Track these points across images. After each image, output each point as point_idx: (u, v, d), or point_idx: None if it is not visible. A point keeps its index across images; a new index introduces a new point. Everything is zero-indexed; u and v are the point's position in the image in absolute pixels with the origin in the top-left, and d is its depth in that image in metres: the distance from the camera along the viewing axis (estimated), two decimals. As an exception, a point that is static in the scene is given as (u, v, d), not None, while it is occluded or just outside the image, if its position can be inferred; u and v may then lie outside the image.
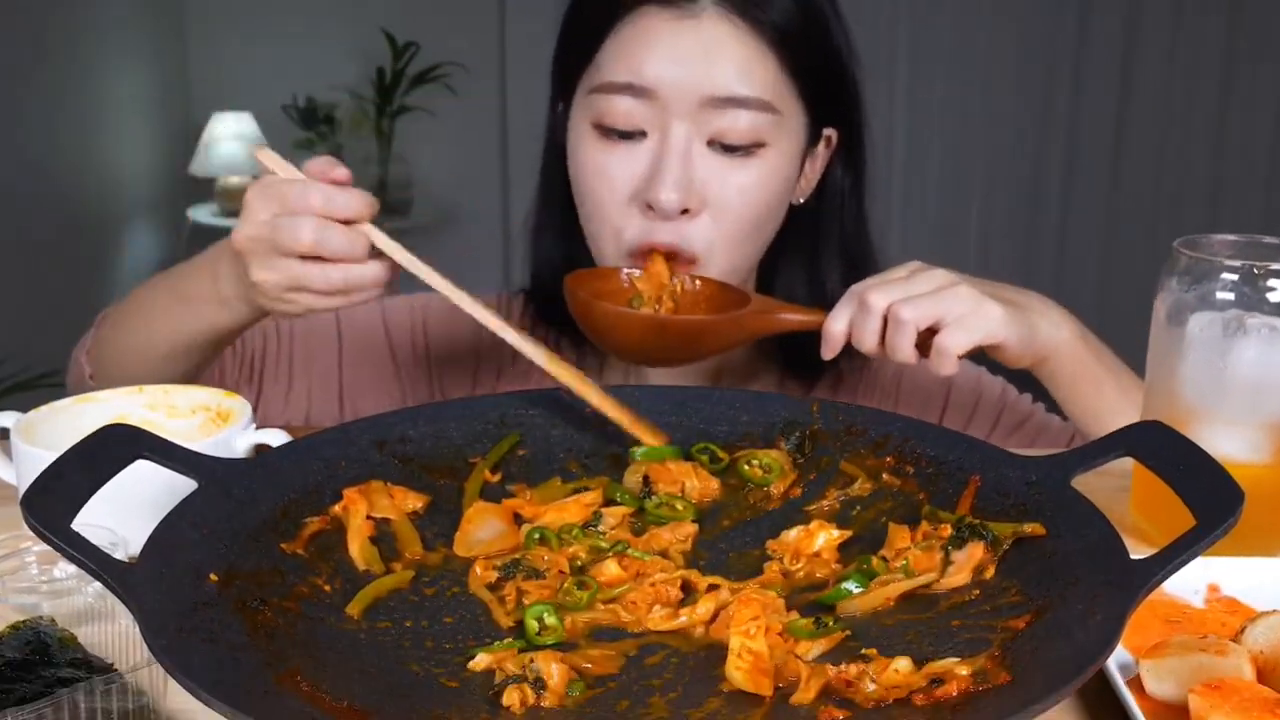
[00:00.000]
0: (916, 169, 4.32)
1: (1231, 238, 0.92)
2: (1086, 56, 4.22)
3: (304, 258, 0.93)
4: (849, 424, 0.85)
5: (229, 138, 4.04)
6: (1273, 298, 0.87)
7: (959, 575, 0.70)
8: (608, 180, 1.10)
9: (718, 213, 1.09)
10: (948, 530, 0.72)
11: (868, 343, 1.01)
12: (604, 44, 1.10)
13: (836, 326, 1.02)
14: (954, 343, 0.98)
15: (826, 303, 1.21)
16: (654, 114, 1.08)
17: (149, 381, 1.06)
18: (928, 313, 0.98)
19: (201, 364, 1.14)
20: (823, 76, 1.13)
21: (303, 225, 0.91)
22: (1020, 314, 1.02)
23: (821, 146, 1.18)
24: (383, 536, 0.78)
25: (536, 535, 0.78)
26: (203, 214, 4.11)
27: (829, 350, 1.03)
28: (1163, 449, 0.71)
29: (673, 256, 1.09)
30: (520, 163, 4.09)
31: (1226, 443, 0.89)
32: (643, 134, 1.09)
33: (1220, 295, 0.89)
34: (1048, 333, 1.04)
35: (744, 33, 1.07)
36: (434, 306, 1.30)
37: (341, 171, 0.94)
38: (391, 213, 4.19)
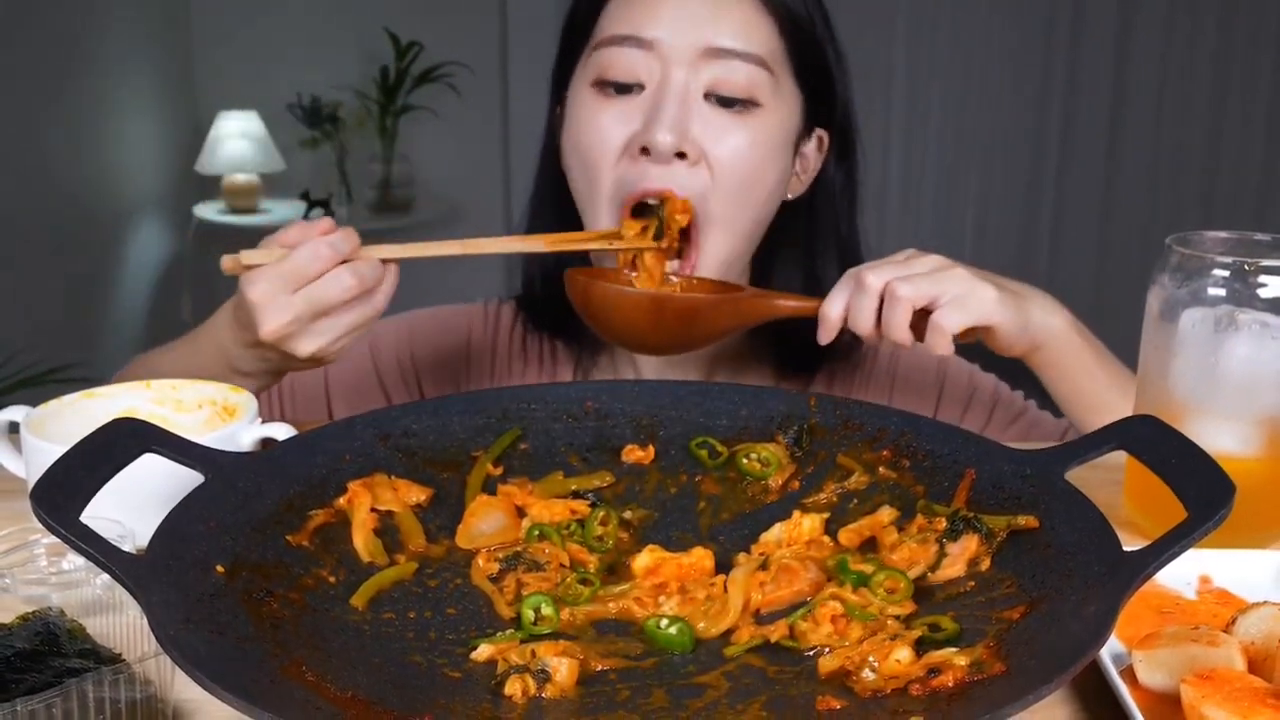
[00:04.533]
0: (914, 168, 4.32)
1: (1223, 234, 0.93)
2: (1081, 56, 4.21)
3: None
4: (846, 418, 0.86)
5: (235, 136, 4.05)
6: (1264, 294, 0.88)
7: (954, 567, 0.71)
8: (602, 131, 1.11)
9: (714, 166, 1.10)
10: (943, 523, 0.73)
11: (864, 323, 1.00)
12: (605, 9, 1.12)
13: (833, 309, 1.02)
14: (950, 321, 0.99)
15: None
16: (653, 66, 1.09)
17: None
18: (924, 291, 0.99)
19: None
20: (814, 68, 1.16)
21: (316, 255, 0.95)
22: (1014, 299, 1.03)
23: (813, 147, 1.20)
24: (386, 529, 0.79)
25: (536, 531, 0.79)
26: (209, 211, 4.12)
27: (825, 334, 1.03)
28: (1155, 443, 0.71)
29: (666, 199, 1.08)
30: (522, 162, 4.08)
31: (1218, 437, 0.89)
32: (640, 87, 1.10)
33: (1212, 291, 0.89)
34: (1041, 320, 1.05)
35: None
36: (419, 324, 1.30)
37: (326, 222, 0.98)
38: (394, 211, 4.20)
